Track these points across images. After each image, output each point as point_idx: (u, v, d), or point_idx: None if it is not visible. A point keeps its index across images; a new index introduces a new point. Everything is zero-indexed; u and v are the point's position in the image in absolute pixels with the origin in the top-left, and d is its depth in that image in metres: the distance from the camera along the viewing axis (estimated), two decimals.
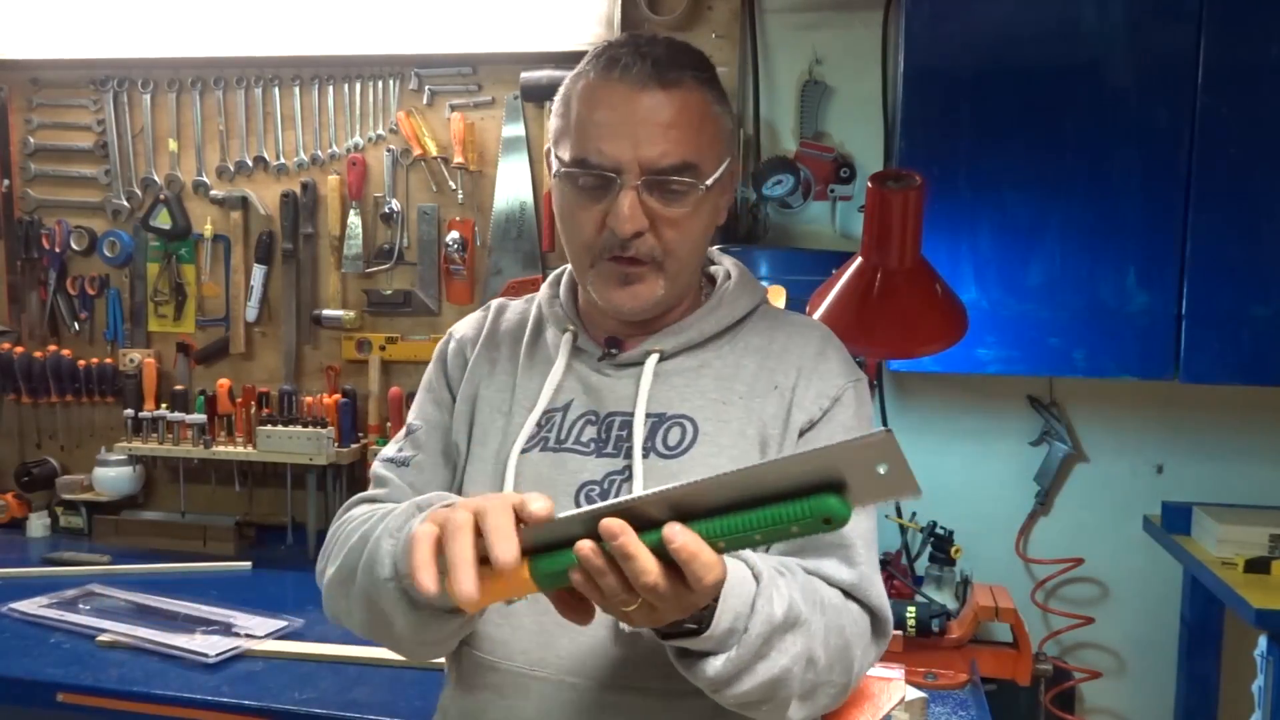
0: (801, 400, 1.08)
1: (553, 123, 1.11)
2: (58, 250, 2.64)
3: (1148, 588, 2.28)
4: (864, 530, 1.05)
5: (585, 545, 0.75)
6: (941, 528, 2.08)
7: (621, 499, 0.76)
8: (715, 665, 0.87)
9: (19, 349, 2.63)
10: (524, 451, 1.09)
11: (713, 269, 1.20)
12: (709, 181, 1.05)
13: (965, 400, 2.31)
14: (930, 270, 1.63)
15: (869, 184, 1.55)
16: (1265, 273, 1.90)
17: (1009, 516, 2.31)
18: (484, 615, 1.07)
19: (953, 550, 2.05)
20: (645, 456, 1.05)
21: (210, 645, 1.81)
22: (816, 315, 1.62)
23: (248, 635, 1.87)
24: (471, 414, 1.16)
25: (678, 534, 0.74)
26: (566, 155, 1.06)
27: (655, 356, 1.10)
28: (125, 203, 2.61)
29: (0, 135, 2.65)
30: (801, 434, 1.07)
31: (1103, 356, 1.96)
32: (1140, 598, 2.29)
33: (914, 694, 1.59)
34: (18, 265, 2.67)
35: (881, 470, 0.68)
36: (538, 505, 0.78)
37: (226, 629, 1.90)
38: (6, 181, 2.66)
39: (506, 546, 0.76)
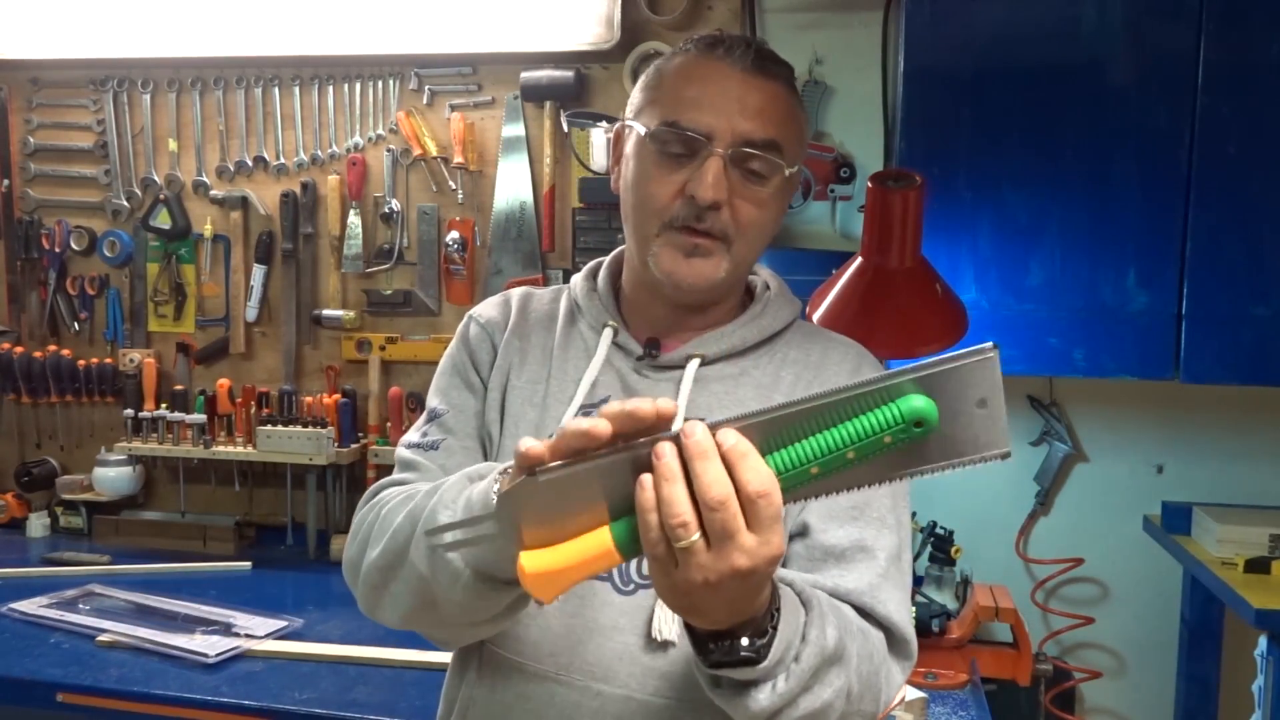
0: None
1: (636, 97, 1.11)
2: (58, 250, 2.64)
3: (1148, 588, 2.28)
4: (889, 544, 1.03)
5: (664, 442, 0.71)
6: (941, 528, 2.08)
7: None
8: (760, 698, 0.83)
9: (19, 349, 2.63)
10: None
11: (750, 279, 1.18)
12: (791, 170, 1.06)
13: None
14: (930, 270, 1.63)
15: (869, 184, 1.55)
16: (1265, 273, 1.89)
17: (1009, 516, 2.31)
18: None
19: (953, 550, 2.05)
20: None
21: (210, 645, 1.81)
22: (816, 316, 1.62)
23: (248, 635, 1.87)
24: (502, 403, 1.13)
25: (731, 436, 0.70)
26: (654, 121, 1.06)
27: (696, 362, 1.09)
28: (125, 203, 2.61)
29: (0, 135, 2.65)
30: None
31: (1103, 356, 1.96)
32: (1140, 598, 2.29)
33: (914, 694, 1.59)
34: (18, 265, 2.67)
35: (980, 409, 0.67)
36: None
37: (226, 629, 1.90)
38: (6, 181, 2.66)
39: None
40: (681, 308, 1.12)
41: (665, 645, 1.00)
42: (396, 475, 1.13)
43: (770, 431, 0.71)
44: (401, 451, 1.15)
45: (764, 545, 0.71)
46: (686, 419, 0.74)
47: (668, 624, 1.00)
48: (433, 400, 1.17)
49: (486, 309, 1.21)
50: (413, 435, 1.16)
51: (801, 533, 1.03)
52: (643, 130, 1.07)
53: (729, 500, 0.70)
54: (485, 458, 1.13)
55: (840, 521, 1.02)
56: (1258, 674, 1.83)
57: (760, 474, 0.70)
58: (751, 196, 1.04)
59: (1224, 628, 2.15)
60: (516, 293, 1.23)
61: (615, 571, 1.02)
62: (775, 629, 0.81)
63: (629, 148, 1.11)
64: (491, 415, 1.13)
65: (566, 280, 1.28)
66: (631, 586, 1.03)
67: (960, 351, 0.69)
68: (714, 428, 0.71)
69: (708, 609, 0.76)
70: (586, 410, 1.08)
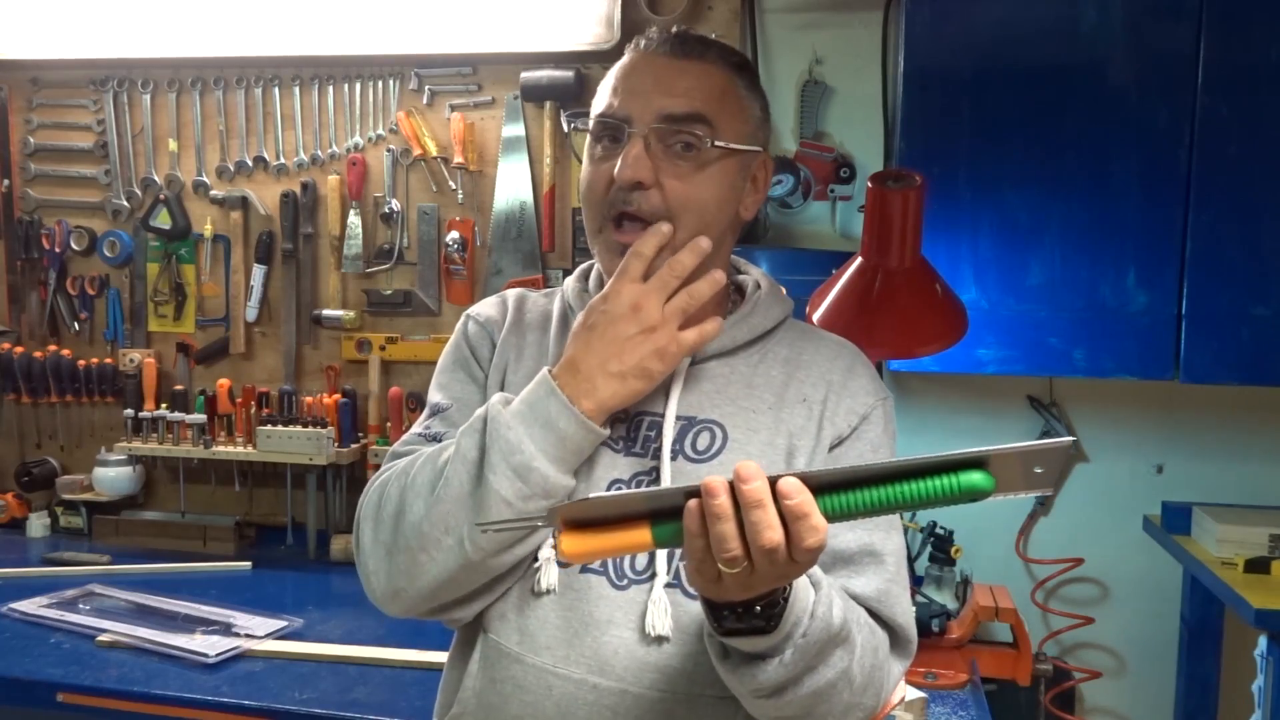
0: (833, 416, 1.08)
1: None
2: (58, 250, 2.64)
3: (1148, 588, 2.28)
4: (896, 546, 1.05)
5: (717, 482, 0.75)
6: (941, 528, 2.08)
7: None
8: (768, 670, 0.86)
9: (19, 349, 2.63)
10: None
11: (740, 278, 1.18)
12: (723, 143, 1.04)
13: (965, 400, 2.31)
14: (930, 270, 1.63)
15: (869, 184, 1.55)
16: (1265, 273, 1.90)
17: (1009, 516, 2.31)
18: (506, 599, 1.05)
19: (953, 550, 2.05)
20: (673, 459, 1.04)
21: (210, 645, 1.81)
22: (816, 316, 1.62)
23: (248, 635, 1.87)
24: None
25: (794, 490, 0.74)
26: (591, 116, 1.08)
27: (686, 361, 1.08)
28: (125, 203, 2.61)
29: (0, 135, 2.65)
30: (831, 449, 1.08)
31: (1102, 356, 1.96)
32: (1140, 598, 2.29)
33: (914, 694, 1.59)
34: (18, 265, 2.67)
35: (1037, 470, 0.71)
36: None
37: (226, 629, 1.90)
38: (6, 181, 2.66)
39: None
40: None
41: (660, 640, 1.01)
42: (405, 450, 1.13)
43: (827, 481, 0.75)
44: (407, 442, 1.14)
45: (804, 566, 0.78)
46: (739, 465, 0.76)
47: (661, 619, 1.01)
48: (434, 395, 1.18)
49: (484, 308, 1.21)
50: (415, 429, 1.15)
51: None
52: (577, 125, 1.11)
53: (780, 548, 0.75)
54: None
55: (848, 524, 1.02)
56: (1258, 674, 1.83)
57: (818, 533, 0.75)
58: (679, 171, 1.03)
59: (1224, 628, 2.15)
60: (512, 293, 1.23)
61: (610, 566, 1.04)
62: (787, 601, 0.84)
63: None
64: None
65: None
66: (625, 582, 1.03)
67: (1039, 443, 0.71)
68: (774, 480, 0.75)
69: (731, 596, 0.82)
70: None
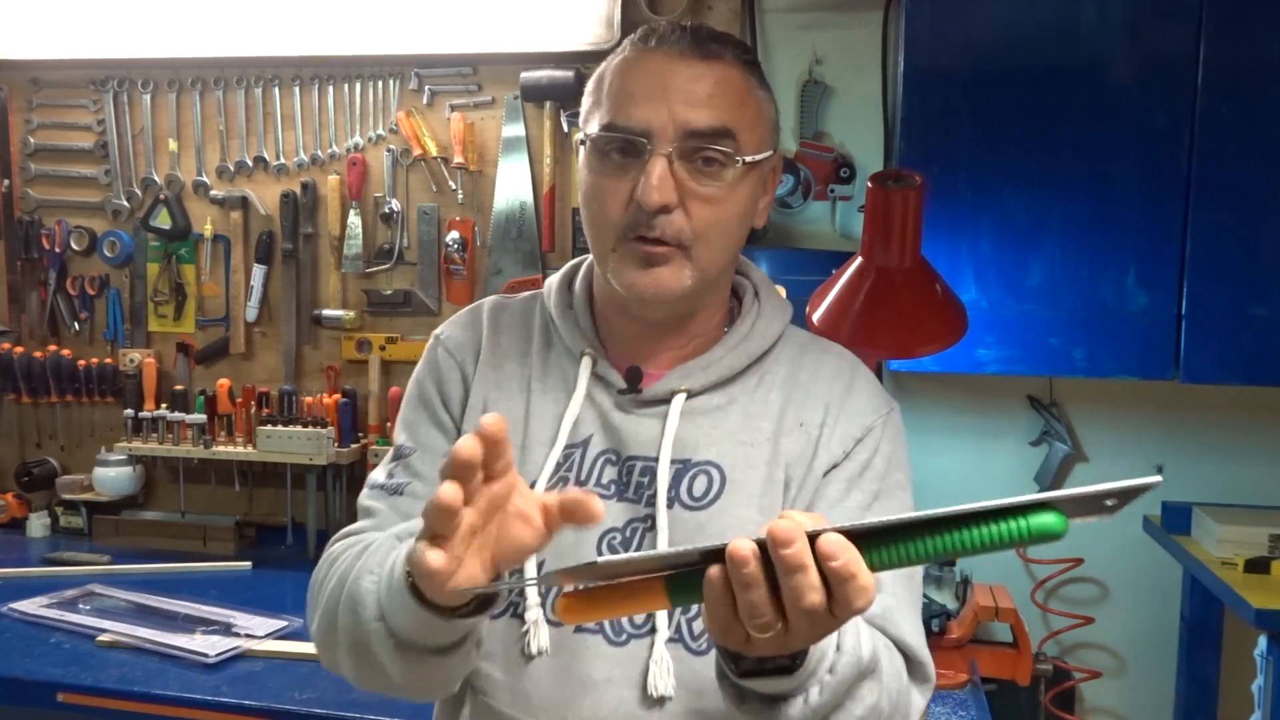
0: (828, 442, 1.01)
1: (584, 104, 1.04)
2: (58, 250, 2.64)
3: (1148, 588, 2.28)
4: (902, 570, 0.96)
5: (745, 548, 0.65)
6: None
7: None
8: (792, 712, 0.77)
9: (19, 349, 2.63)
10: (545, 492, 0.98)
11: (738, 280, 1.11)
12: (749, 157, 0.96)
13: (965, 400, 2.31)
14: (930, 270, 1.63)
15: (869, 184, 1.55)
16: (1265, 273, 1.90)
17: None
18: (494, 661, 0.98)
19: None
20: (669, 507, 0.97)
21: (210, 645, 1.81)
22: (816, 316, 1.62)
23: (248, 635, 1.87)
24: None
25: (839, 550, 0.64)
26: (596, 127, 0.98)
27: (682, 397, 1.01)
28: (125, 203, 2.61)
29: (0, 135, 2.65)
30: (824, 475, 1.01)
31: (1103, 356, 1.96)
32: (1140, 598, 2.29)
33: None
34: (18, 265, 2.67)
35: (1109, 502, 0.63)
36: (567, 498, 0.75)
37: (226, 629, 1.90)
38: (6, 181, 2.66)
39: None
40: (658, 325, 1.04)
41: (662, 700, 0.95)
42: (357, 524, 1.05)
43: (873, 531, 0.66)
44: (364, 497, 1.06)
45: (844, 621, 0.69)
46: (779, 519, 0.66)
47: (664, 679, 0.95)
48: (399, 434, 1.09)
49: (455, 330, 1.11)
50: (379, 474, 1.07)
51: None
52: (580, 136, 1.00)
53: (821, 607, 0.66)
54: None
55: None
56: (1258, 674, 1.83)
57: (866, 593, 0.66)
58: (706, 194, 0.95)
59: (1224, 628, 2.15)
60: (487, 306, 1.13)
61: (607, 621, 0.96)
62: None
63: (581, 160, 1.03)
64: None
65: None
66: (624, 637, 0.97)
67: (1122, 485, 0.62)
68: (814, 536, 0.65)
69: (760, 653, 0.73)
70: (569, 452, 1.01)
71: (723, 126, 0.95)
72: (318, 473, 2.42)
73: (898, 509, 1.00)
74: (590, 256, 1.08)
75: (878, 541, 0.65)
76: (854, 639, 0.81)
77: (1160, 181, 1.91)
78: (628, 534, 0.98)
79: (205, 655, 1.76)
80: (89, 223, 2.64)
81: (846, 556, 0.64)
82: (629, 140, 0.95)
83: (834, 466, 1.01)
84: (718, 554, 0.67)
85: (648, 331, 1.04)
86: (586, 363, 1.04)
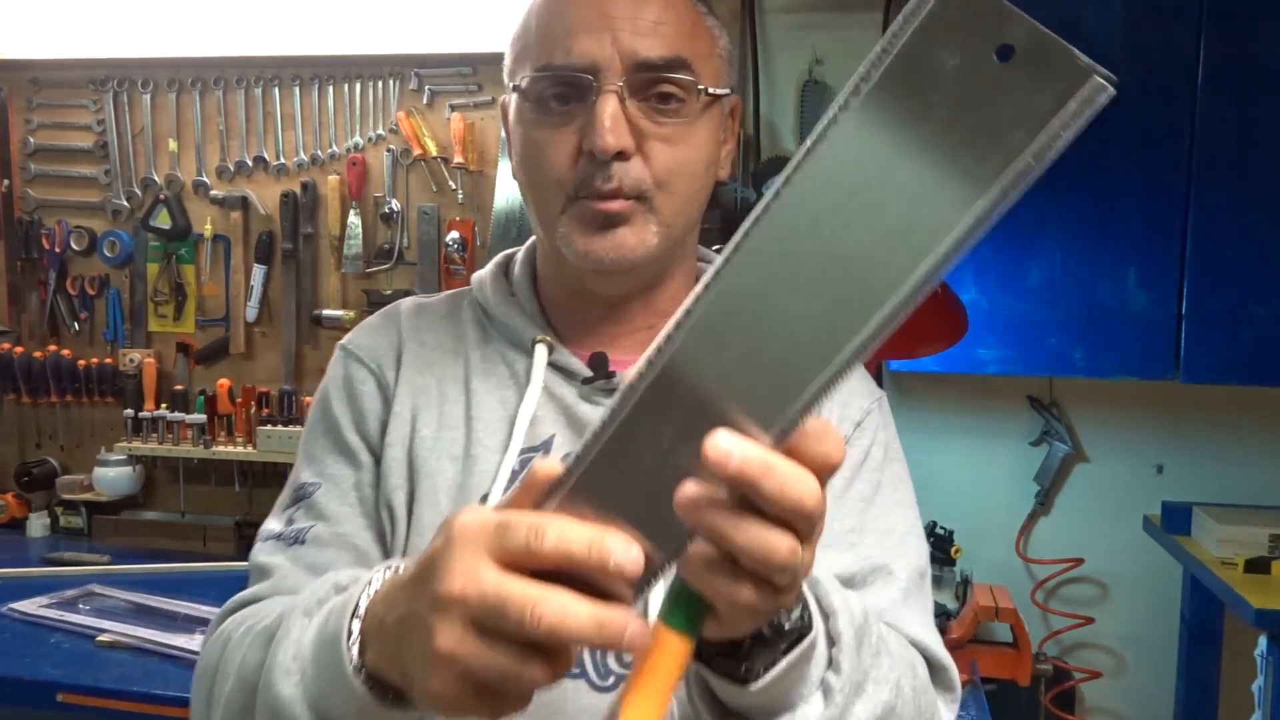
0: None
1: (507, 57, 0.89)
2: (58, 250, 2.64)
3: (1147, 588, 2.28)
4: (911, 565, 0.87)
5: (690, 492, 0.48)
6: (941, 528, 2.08)
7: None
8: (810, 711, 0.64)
9: (19, 349, 2.63)
10: None
11: (700, 263, 0.97)
12: (710, 90, 0.84)
13: (965, 400, 2.31)
14: None
15: None
16: (1265, 273, 1.90)
17: (1009, 516, 2.31)
18: None
19: (953, 550, 2.05)
20: None
21: None
22: None
23: (201, 655, 1.86)
24: (409, 462, 0.86)
25: (737, 445, 0.47)
26: (527, 71, 0.83)
27: None
28: (125, 203, 2.61)
29: (0, 135, 2.65)
30: None
31: (1103, 356, 1.96)
32: (1140, 598, 2.29)
33: None
34: (18, 265, 2.67)
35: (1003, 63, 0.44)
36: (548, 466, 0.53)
37: None
38: (6, 181, 2.66)
39: (620, 547, 0.49)
40: (620, 302, 0.89)
41: None
42: (251, 589, 0.85)
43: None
44: (256, 552, 0.87)
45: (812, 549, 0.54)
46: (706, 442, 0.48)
47: None
48: (300, 469, 0.90)
49: (366, 336, 0.93)
50: (273, 523, 0.88)
51: None
52: (512, 85, 0.85)
53: (816, 495, 0.50)
54: (382, 542, 0.86)
55: (839, 549, 0.86)
56: (1258, 674, 1.83)
57: (804, 480, 0.49)
58: (664, 134, 0.82)
59: (1224, 628, 2.15)
60: (404, 308, 0.96)
61: (589, 663, 0.81)
62: (807, 617, 0.63)
63: (512, 119, 0.88)
64: (395, 480, 0.86)
65: None
66: (611, 680, 0.81)
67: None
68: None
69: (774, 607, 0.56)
70: (527, 456, 0.85)
71: (676, 56, 0.82)
72: None
73: (899, 502, 0.92)
74: (523, 247, 0.96)
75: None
76: (842, 599, 0.67)
77: (1160, 181, 1.91)
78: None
79: None
80: (89, 223, 2.64)
81: (748, 449, 0.47)
82: (571, 81, 0.81)
83: None
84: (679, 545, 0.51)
85: (608, 313, 0.90)
86: (541, 351, 0.88)
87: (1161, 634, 2.26)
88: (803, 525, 0.50)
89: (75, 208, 2.65)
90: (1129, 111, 1.91)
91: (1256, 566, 1.91)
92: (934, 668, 0.83)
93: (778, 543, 0.49)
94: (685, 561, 0.51)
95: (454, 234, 2.43)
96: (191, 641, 1.82)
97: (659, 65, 0.81)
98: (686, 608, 0.52)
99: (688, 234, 0.90)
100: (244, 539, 2.51)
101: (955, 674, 0.84)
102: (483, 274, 0.95)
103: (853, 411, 0.92)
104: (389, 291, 2.49)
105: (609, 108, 0.79)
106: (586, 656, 0.81)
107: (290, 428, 2.38)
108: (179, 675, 1.71)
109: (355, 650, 0.60)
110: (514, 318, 0.91)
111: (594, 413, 0.86)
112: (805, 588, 0.64)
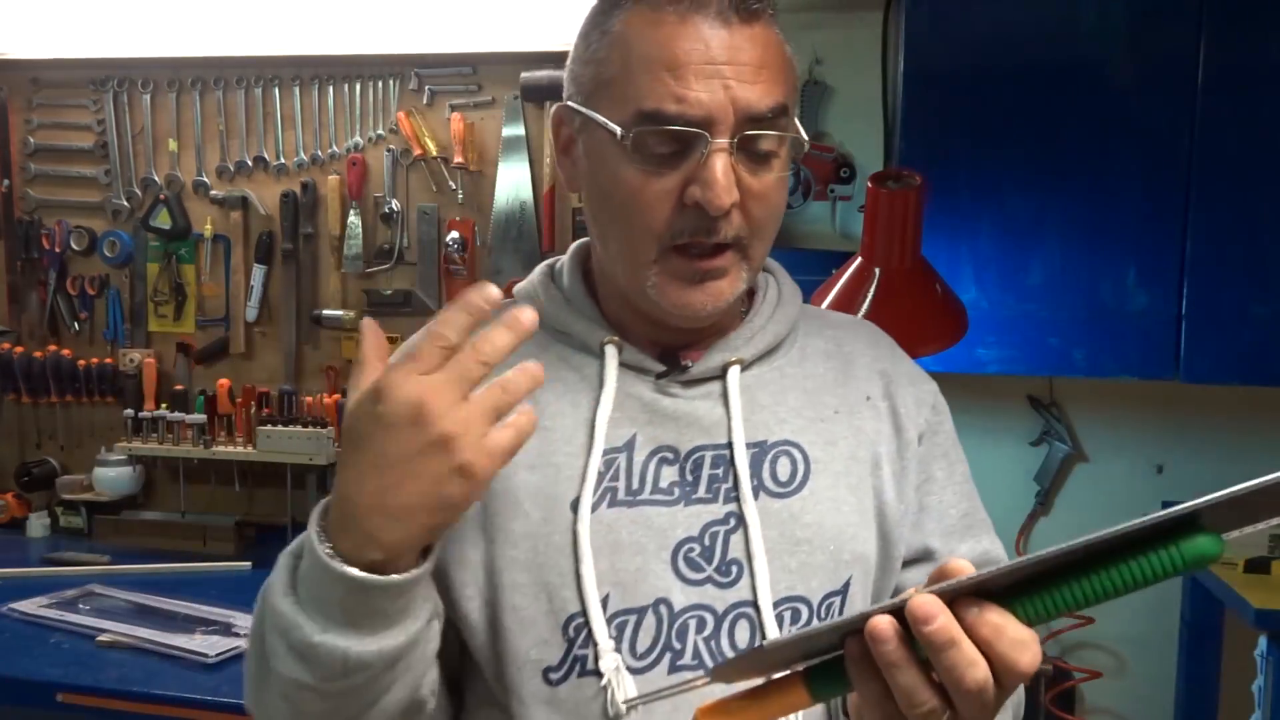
0: (907, 410, 0.92)
1: (581, 71, 0.84)
2: (58, 250, 2.64)
3: (1147, 588, 2.28)
4: (1000, 546, 0.96)
5: (882, 625, 0.57)
6: None
7: (922, 590, 0.57)
8: None
9: (19, 349, 2.63)
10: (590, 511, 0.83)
11: None
12: (800, 136, 0.82)
13: (965, 400, 2.31)
14: (930, 270, 1.63)
15: (869, 184, 1.55)
16: (1265, 273, 1.90)
17: (1009, 516, 2.31)
18: None
19: None
20: (755, 497, 0.84)
21: (210, 645, 1.80)
22: None
23: (248, 635, 1.86)
24: None
25: (984, 612, 0.57)
26: (624, 112, 0.79)
27: (736, 369, 0.87)
28: (125, 203, 2.61)
29: (0, 135, 2.65)
30: (919, 444, 0.93)
31: (1103, 356, 1.96)
32: (1140, 598, 2.25)
33: None
34: (18, 265, 2.67)
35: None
36: (528, 316, 0.66)
37: (226, 629, 1.89)
38: (6, 181, 2.66)
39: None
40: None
41: None
42: None
43: (1012, 580, 0.58)
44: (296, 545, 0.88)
45: (1013, 689, 0.60)
46: (912, 594, 0.57)
47: None
48: None
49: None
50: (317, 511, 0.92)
51: (923, 558, 0.91)
52: (609, 126, 0.80)
53: (988, 684, 0.57)
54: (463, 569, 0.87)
55: (960, 536, 0.92)
56: (1258, 674, 1.83)
57: (1028, 647, 0.57)
58: (763, 186, 0.81)
59: (1224, 628, 2.15)
60: None
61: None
62: None
63: (587, 144, 0.85)
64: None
65: None
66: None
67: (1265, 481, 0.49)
68: (944, 595, 0.57)
69: None
70: (611, 458, 0.85)
71: (779, 104, 0.80)
72: (318, 473, 2.42)
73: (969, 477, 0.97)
74: (566, 256, 0.95)
75: (1019, 592, 0.57)
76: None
77: (1160, 181, 1.91)
78: (707, 541, 0.83)
79: (205, 655, 1.76)
80: (89, 223, 2.64)
81: (991, 615, 0.57)
82: (681, 135, 0.78)
83: (920, 437, 0.93)
84: (857, 627, 0.58)
85: (670, 326, 0.89)
86: (612, 352, 0.87)
87: (1161, 634, 2.26)
88: (956, 697, 0.58)
89: (75, 208, 2.65)
90: (1129, 111, 1.91)
91: (1256, 566, 1.91)
92: None
93: (926, 699, 0.58)
94: (850, 644, 0.59)
95: (454, 234, 2.43)
96: (191, 641, 1.82)
97: (767, 117, 0.79)
98: (827, 675, 0.61)
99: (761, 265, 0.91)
100: (244, 539, 2.51)
101: None
102: (531, 285, 0.94)
103: (925, 394, 0.95)
104: (389, 291, 2.49)
105: (720, 164, 0.77)
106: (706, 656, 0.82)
107: (290, 428, 2.38)
108: (179, 675, 1.71)
109: (328, 546, 0.68)
110: (576, 323, 0.90)
111: (673, 406, 0.87)
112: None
